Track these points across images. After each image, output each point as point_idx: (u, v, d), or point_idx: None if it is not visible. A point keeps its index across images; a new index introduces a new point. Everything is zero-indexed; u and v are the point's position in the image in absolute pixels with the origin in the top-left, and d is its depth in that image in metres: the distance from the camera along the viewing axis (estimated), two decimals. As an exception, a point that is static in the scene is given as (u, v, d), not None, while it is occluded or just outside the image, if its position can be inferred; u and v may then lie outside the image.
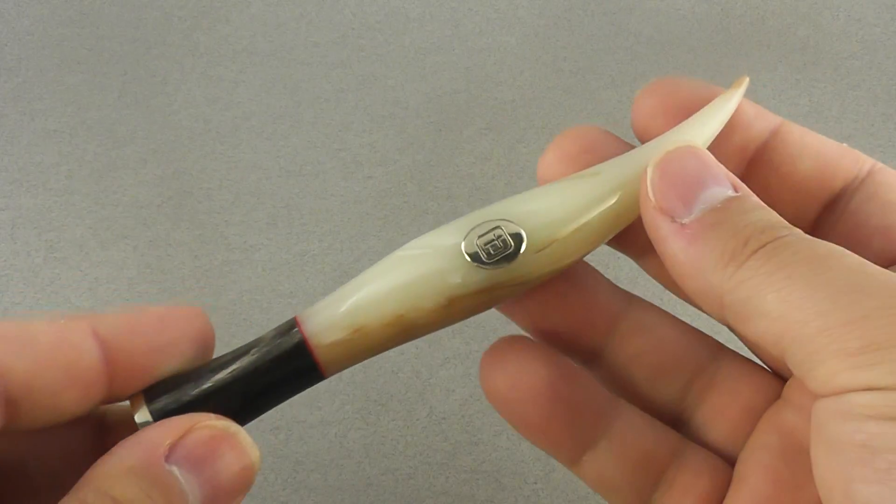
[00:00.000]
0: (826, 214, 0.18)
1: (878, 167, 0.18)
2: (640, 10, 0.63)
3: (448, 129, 0.56)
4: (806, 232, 0.17)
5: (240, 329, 0.47)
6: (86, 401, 0.17)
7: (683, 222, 0.15)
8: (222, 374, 0.18)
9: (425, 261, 0.18)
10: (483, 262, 0.18)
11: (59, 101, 0.58)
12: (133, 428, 0.18)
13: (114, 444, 0.17)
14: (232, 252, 0.50)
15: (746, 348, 0.20)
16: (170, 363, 0.17)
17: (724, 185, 0.16)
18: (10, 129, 0.56)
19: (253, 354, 0.18)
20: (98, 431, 0.19)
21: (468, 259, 0.18)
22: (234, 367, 0.18)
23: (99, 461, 0.15)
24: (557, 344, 0.19)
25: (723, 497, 0.18)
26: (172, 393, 0.17)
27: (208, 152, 0.55)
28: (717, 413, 0.19)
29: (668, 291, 0.20)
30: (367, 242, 0.51)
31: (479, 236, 0.18)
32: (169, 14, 0.63)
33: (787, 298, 0.14)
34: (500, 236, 0.18)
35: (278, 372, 0.18)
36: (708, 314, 0.16)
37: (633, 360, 0.19)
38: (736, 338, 0.19)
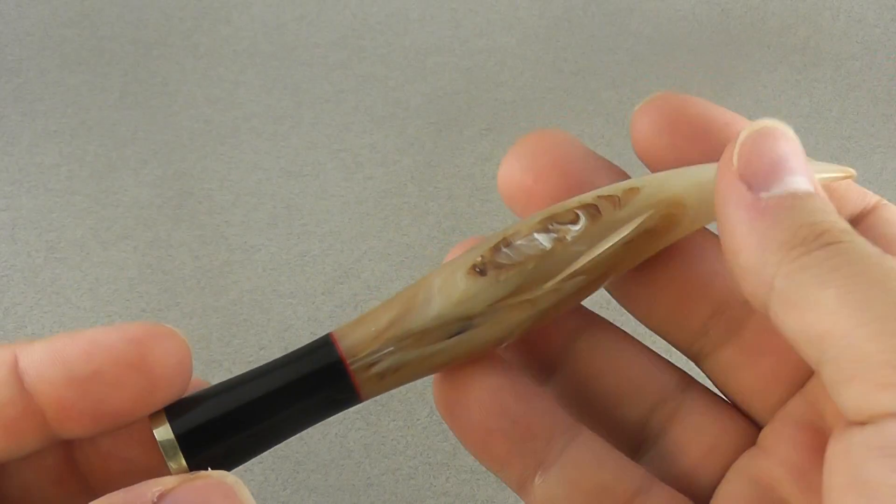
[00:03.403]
0: None
1: (883, 203, 0.18)
2: (640, 10, 0.63)
3: (448, 129, 0.56)
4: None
5: (240, 329, 0.47)
6: (18, 441, 0.15)
7: (761, 196, 0.15)
8: (256, 393, 0.17)
9: None
10: None
11: (60, 101, 0.58)
12: (122, 458, 0.17)
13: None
14: (232, 252, 0.50)
15: (715, 387, 0.19)
16: (111, 394, 0.16)
17: (809, 179, 0.15)
18: (11, 129, 0.56)
19: (288, 372, 0.17)
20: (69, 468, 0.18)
21: None
22: (267, 387, 0.17)
23: None
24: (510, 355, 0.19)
25: None
26: (198, 410, 0.16)
27: (209, 153, 0.55)
28: (678, 449, 0.18)
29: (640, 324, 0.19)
30: (367, 243, 0.51)
31: None
32: (169, 15, 0.63)
33: (846, 296, 0.13)
34: None
35: (318, 397, 0.17)
36: (747, 294, 0.16)
37: (590, 380, 0.18)
38: (705, 376, 0.18)
